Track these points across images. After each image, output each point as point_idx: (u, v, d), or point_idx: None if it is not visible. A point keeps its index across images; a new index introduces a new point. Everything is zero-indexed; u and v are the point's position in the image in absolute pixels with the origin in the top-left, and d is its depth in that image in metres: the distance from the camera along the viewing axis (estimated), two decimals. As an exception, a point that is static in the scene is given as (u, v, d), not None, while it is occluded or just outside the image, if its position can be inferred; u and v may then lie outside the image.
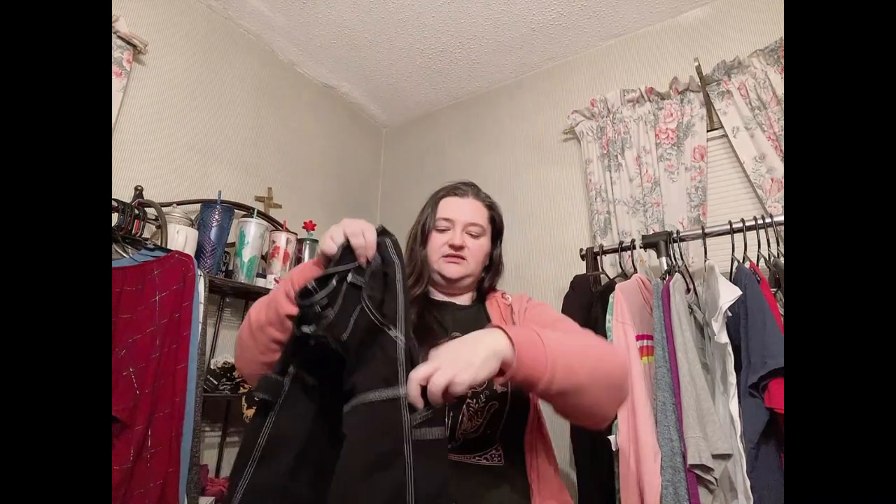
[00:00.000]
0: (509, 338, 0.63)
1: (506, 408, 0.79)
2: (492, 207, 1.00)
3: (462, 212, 0.95)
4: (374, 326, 0.61)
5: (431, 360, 0.59)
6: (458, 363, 0.58)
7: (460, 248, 0.91)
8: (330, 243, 0.67)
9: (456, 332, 0.86)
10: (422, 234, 0.95)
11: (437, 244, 0.93)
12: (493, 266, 1.01)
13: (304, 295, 0.62)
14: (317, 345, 0.61)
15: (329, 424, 0.62)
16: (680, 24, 1.94)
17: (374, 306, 0.62)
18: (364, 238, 0.65)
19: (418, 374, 0.57)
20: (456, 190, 0.99)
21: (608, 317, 1.33)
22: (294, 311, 0.67)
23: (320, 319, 0.61)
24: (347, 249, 0.66)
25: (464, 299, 0.97)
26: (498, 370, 0.62)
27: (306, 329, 0.61)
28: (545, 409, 0.82)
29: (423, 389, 0.56)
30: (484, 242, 0.96)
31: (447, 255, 0.92)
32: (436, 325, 0.87)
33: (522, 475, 0.78)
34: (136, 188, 1.59)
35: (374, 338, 0.61)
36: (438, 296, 0.96)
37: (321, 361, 0.63)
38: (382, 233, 0.68)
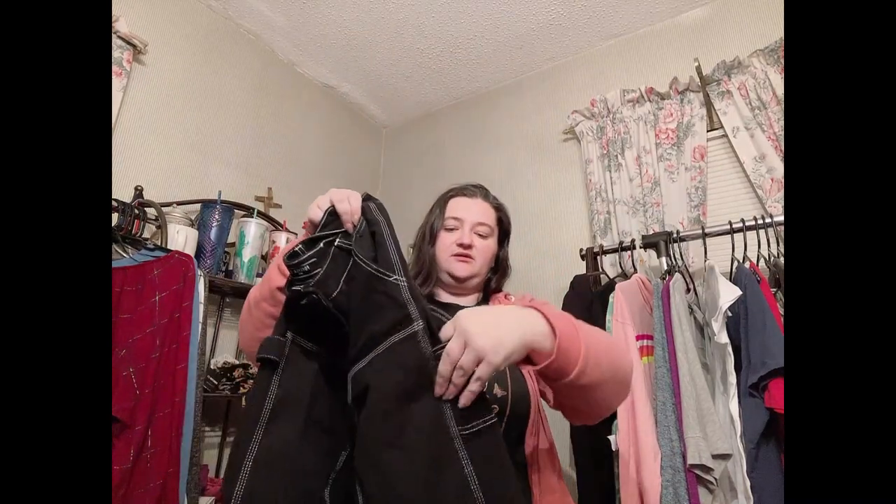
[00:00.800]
0: (549, 322, 0.60)
1: (506, 412, 0.77)
2: (500, 209, 1.01)
3: (471, 212, 0.95)
4: (372, 276, 0.60)
5: (458, 326, 0.56)
6: (489, 339, 0.54)
7: (469, 246, 0.92)
8: (315, 210, 0.68)
9: None
10: (430, 234, 0.96)
11: (446, 243, 0.93)
12: (499, 267, 1.01)
13: (291, 257, 0.62)
14: (309, 304, 0.60)
15: (330, 385, 0.62)
16: (680, 24, 1.94)
17: (368, 259, 0.62)
18: (349, 203, 0.67)
19: (451, 355, 0.53)
20: (465, 190, 1.00)
21: (608, 317, 1.33)
22: (283, 282, 0.68)
23: (308, 279, 0.61)
24: (333, 216, 0.67)
25: (469, 300, 0.97)
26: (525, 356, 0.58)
27: (297, 287, 0.61)
28: (548, 408, 0.81)
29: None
30: (491, 243, 0.97)
31: (456, 254, 0.92)
32: (439, 325, 0.87)
33: (523, 480, 0.77)
34: (136, 188, 1.59)
35: (374, 287, 0.60)
36: (444, 297, 0.96)
37: (315, 324, 0.63)
38: (367, 198, 0.70)
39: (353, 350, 0.59)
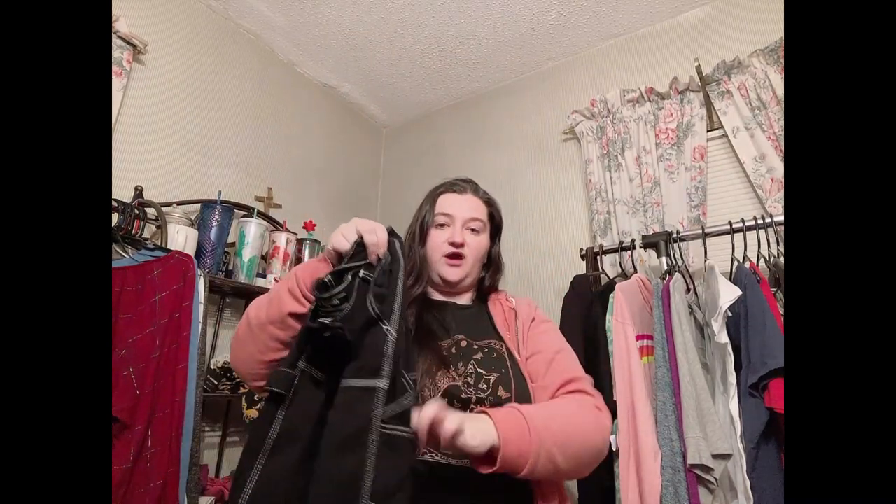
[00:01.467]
0: (497, 430, 0.64)
1: None
2: (490, 204, 0.99)
3: (461, 207, 0.94)
4: (371, 318, 0.63)
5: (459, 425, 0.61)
6: (469, 425, 0.62)
7: (461, 245, 0.90)
8: (342, 240, 0.68)
9: (458, 332, 0.86)
10: (420, 232, 0.94)
11: (437, 242, 0.92)
12: (492, 264, 0.99)
13: (321, 288, 0.63)
14: (332, 337, 0.61)
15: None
16: (680, 24, 1.94)
17: (377, 300, 0.64)
18: (377, 236, 0.67)
19: (430, 413, 0.60)
20: (454, 186, 0.98)
21: (608, 317, 1.33)
22: (298, 308, 0.68)
23: (337, 312, 0.62)
24: (360, 247, 0.68)
25: (464, 299, 0.96)
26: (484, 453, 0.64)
27: (324, 320, 0.61)
28: None
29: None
30: (483, 239, 0.95)
31: (448, 256, 0.91)
32: (436, 325, 0.86)
33: (523, 484, 0.77)
34: (136, 188, 1.59)
35: (368, 329, 0.63)
36: (437, 296, 0.95)
37: (331, 355, 0.63)
38: (391, 233, 0.71)
39: (339, 370, 0.62)
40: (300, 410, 0.63)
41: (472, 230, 0.93)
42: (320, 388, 0.64)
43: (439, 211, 0.94)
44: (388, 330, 0.63)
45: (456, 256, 0.91)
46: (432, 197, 0.98)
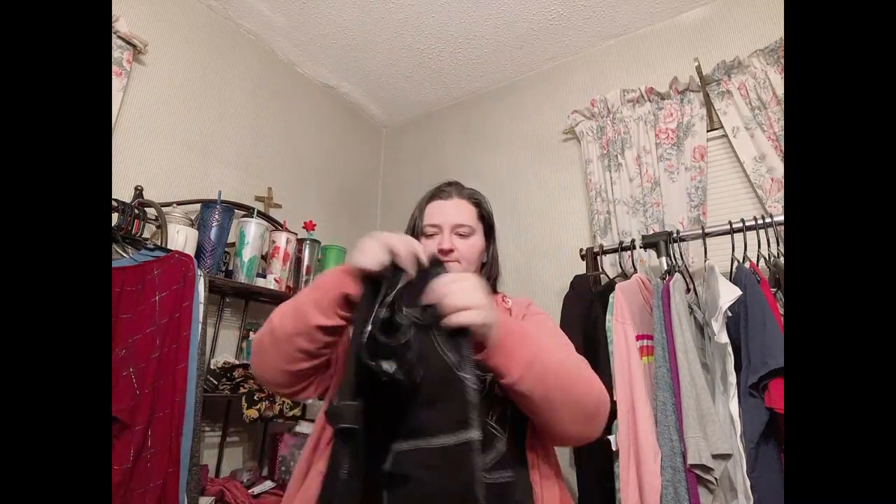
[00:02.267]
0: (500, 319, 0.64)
1: (507, 410, 0.78)
2: (478, 204, 0.98)
3: (447, 214, 0.93)
4: (446, 367, 0.59)
5: (457, 280, 0.61)
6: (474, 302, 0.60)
7: (449, 251, 0.89)
8: (372, 259, 0.64)
9: None
10: None
11: (428, 251, 0.92)
12: (490, 263, 0.99)
13: (387, 331, 0.59)
14: (389, 381, 0.58)
15: (373, 459, 0.59)
16: (680, 24, 1.94)
17: (447, 347, 0.60)
18: (410, 250, 0.65)
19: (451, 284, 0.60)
20: (439, 193, 0.97)
21: (608, 317, 1.33)
22: (326, 322, 0.66)
23: (401, 359, 0.58)
24: (395, 269, 0.64)
25: None
26: (478, 344, 0.62)
27: (387, 367, 0.57)
28: None
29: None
30: (475, 241, 0.94)
31: None
32: None
33: (525, 475, 0.78)
34: (136, 188, 1.59)
35: (445, 378, 0.58)
36: None
37: (379, 397, 0.59)
38: (437, 263, 0.66)
39: (412, 423, 0.58)
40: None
41: (461, 235, 0.92)
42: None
43: (427, 222, 0.94)
44: (465, 377, 0.58)
45: (446, 260, 0.90)
46: (420, 207, 0.98)
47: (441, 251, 0.89)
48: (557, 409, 0.68)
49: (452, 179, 1.01)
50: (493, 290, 0.99)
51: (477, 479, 0.54)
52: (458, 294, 0.60)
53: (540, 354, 0.66)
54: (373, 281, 0.64)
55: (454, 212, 0.93)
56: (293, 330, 0.69)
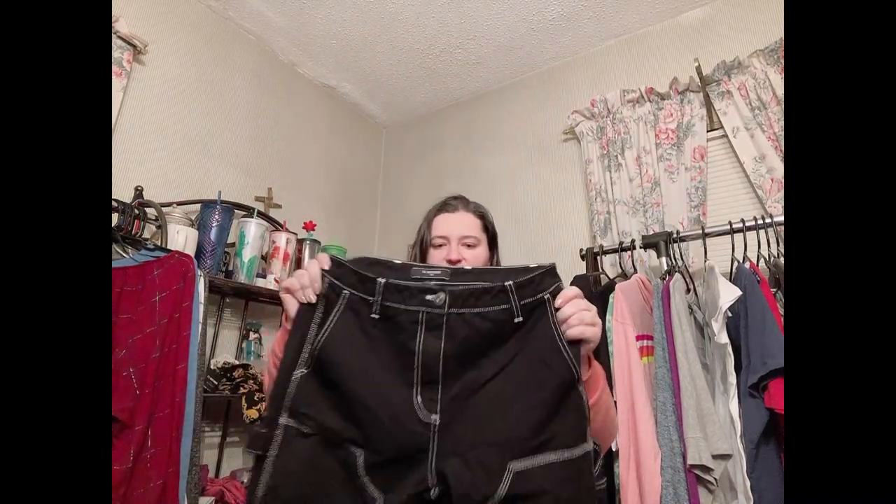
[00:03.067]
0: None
1: None
2: (483, 217, 1.03)
3: (454, 227, 0.98)
4: (569, 380, 0.60)
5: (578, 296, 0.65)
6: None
7: (458, 261, 0.94)
8: (292, 309, 0.68)
9: None
10: (421, 254, 1.00)
11: (436, 261, 0.96)
12: None
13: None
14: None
15: (333, 467, 0.59)
16: (680, 24, 1.94)
17: (573, 356, 0.61)
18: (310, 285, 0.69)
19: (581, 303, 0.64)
20: (446, 206, 1.02)
21: (608, 317, 1.33)
22: None
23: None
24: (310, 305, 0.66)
25: None
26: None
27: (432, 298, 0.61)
28: None
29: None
30: (481, 252, 0.99)
31: None
32: None
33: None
34: (136, 188, 1.59)
35: (566, 391, 0.59)
36: None
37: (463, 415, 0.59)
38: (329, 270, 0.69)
39: (515, 439, 0.57)
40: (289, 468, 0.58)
41: (468, 245, 0.97)
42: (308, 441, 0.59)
43: (436, 234, 0.98)
44: (581, 391, 0.61)
45: None
46: (428, 220, 1.03)
47: (450, 261, 0.94)
48: (603, 429, 0.74)
49: (458, 194, 1.07)
50: None
51: (593, 486, 0.56)
52: (586, 312, 0.63)
53: (606, 388, 0.74)
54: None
55: (460, 224, 0.98)
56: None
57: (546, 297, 0.62)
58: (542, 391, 0.58)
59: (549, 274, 0.63)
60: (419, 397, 0.58)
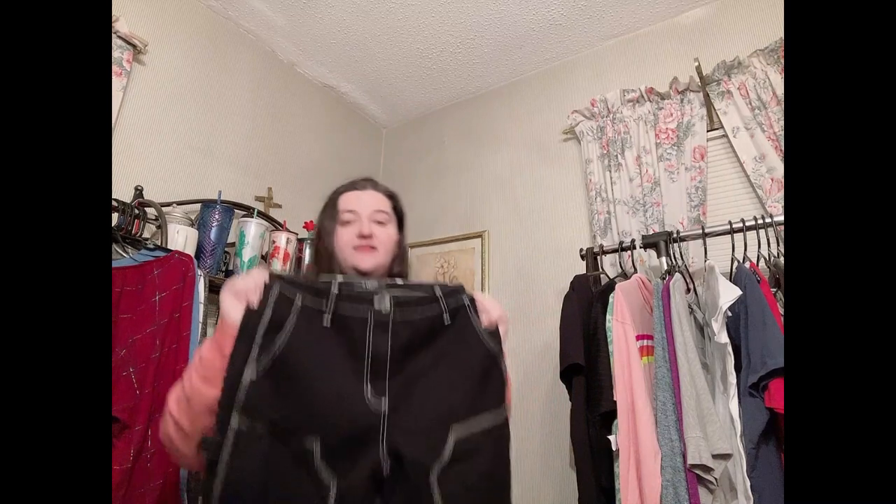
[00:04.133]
0: None
1: None
2: (393, 197, 1.01)
3: (364, 202, 0.94)
4: (489, 354, 0.75)
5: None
6: None
7: (369, 235, 0.90)
8: (236, 313, 0.69)
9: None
10: (326, 232, 0.94)
11: (346, 238, 0.91)
12: (401, 254, 1.00)
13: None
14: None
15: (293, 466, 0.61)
16: (680, 24, 1.94)
17: (490, 339, 0.76)
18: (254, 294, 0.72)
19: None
20: (355, 185, 0.99)
21: (608, 317, 1.33)
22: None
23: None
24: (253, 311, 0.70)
25: None
26: None
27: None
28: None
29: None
30: (392, 230, 0.96)
31: (358, 247, 0.91)
32: None
33: None
34: (136, 188, 1.59)
35: (488, 364, 0.74)
36: None
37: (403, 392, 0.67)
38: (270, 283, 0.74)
39: (449, 408, 0.67)
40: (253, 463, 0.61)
41: (379, 222, 0.94)
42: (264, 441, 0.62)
43: (344, 208, 0.94)
44: (503, 367, 0.76)
45: (367, 248, 0.91)
46: (332, 198, 0.98)
47: (361, 235, 0.90)
48: None
49: (367, 176, 1.04)
50: (404, 277, 1.01)
51: (509, 455, 0.68)
52: (499, 308, 0.81)
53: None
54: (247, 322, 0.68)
55: (371, 201, 0.95)
56: (192, 418, 0.70)
57: (466, 302, 0.76)
58: (470, 369, 0.71)
59: (462, 289, 0.78)
60: (369, 387, 0.66)
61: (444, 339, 0.72)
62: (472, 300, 0.77)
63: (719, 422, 1.14)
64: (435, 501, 0.59)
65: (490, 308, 0.79)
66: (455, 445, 0.63)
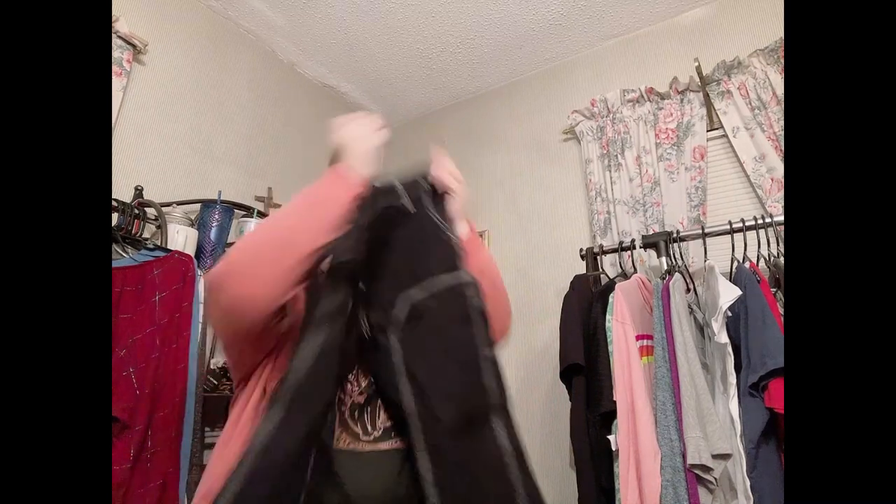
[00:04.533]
0: None
1: None
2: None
3: None
4: (435, 226, 0.82)
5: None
6: None
7: None
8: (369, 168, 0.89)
9: None
10: None
11: None
12: None
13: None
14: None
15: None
16: (680, 24, 1.94)
17: (436, 211, 0.85)
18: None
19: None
20: None
21: (608, 317, 1.33)
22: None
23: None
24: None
25: None
26: None
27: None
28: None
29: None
30: None
31: None
32: None
33: None
34: (136, 188, 1.59)
35: (436, 235, 0.81)
36: None
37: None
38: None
39: (406, 276, 0.74)
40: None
41: None
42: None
43: None
44: (452, 236, 0.83)
45: None
46: None
47: None
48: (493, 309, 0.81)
49: None
50: None
51: (480, 308, 0.72)
52: (455, 174, 0.93)
53: (485, 254, 0.92)
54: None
55: None
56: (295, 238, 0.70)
57: (421, 193, 0.86)
58: (424, 243, 0.78)
59: (423, 176, 0.91)
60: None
61: (410, 222, 0.81)
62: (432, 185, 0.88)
63: (719, 422, 1.14)
64: (395, 361, 0.67)
65: (445, 180, 0.91)
66: (411, 307, 0.71)
